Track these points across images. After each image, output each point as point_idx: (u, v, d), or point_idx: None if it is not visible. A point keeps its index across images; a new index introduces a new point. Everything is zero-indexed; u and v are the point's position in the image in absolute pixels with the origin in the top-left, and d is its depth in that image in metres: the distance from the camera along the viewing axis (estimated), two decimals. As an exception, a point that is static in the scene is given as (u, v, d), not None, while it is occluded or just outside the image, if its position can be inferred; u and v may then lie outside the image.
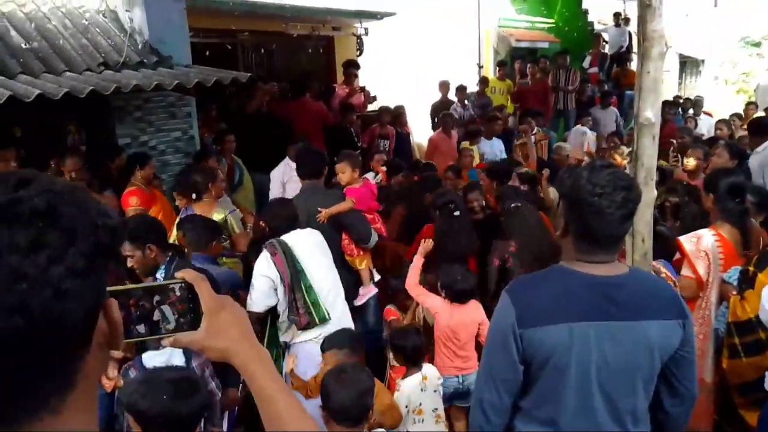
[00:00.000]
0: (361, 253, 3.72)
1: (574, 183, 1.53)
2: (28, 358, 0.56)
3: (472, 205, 4.21)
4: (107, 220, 0.63)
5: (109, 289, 0.72)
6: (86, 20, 5.48)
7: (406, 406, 2.82)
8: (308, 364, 2.97)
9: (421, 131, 8.98)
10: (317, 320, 3.11)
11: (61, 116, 5.05)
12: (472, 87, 9.49)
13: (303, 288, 3.13)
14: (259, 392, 0.87)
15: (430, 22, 9.43)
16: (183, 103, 5.71)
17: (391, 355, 3.07)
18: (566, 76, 9.68)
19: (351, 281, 3.72)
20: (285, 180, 5.30)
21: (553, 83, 9.64)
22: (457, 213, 3.83)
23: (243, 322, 0.89)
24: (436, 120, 8.68)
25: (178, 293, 0.82)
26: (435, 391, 2.97)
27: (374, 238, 3.74)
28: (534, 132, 7.50)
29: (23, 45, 4.83)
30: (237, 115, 6.46)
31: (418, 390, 2.88)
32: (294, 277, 3.12)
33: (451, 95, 9.09)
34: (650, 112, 1.92)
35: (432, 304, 3.23)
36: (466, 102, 9.03)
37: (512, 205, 3.75)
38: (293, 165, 5.44)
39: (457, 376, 3.19)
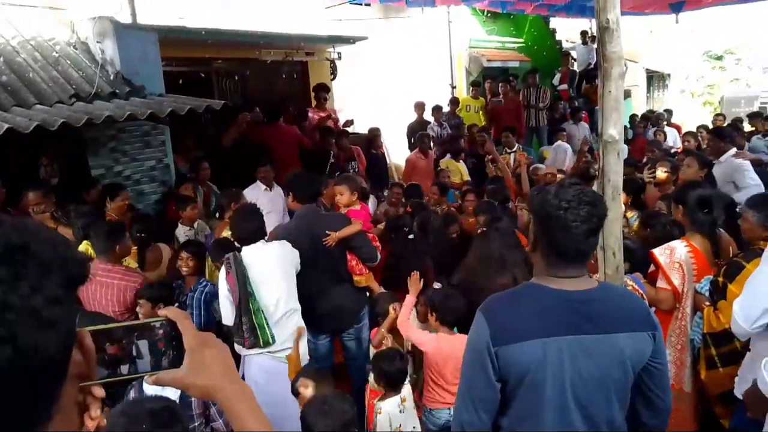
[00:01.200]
0: (366, 271, 3.77)
1: (542, 199, 1.58)
2: (13, 389, 0.58)
3: (451, 236, 4.31)
4: (74, 253, 0.66)
5: (90, 328, 0.74)
6: (56, 52, 5.45)
7: (390, 427, 2.81)
8: (260, 375, 3.22)
9: (397, 152, 9.06)
10: (261, 343, 3.19)
11: (32, 149, 4.98)
12: (447, 107, 9.64)
13: (251, 310, 3.19)
14: (241, 428, 0.87)
15: (403, 44, 9.58)
16: (157, 132, 5.69)
17: (371, 378, 3.05)
18: (537, 93, 9.89)
19: (357, 300, 3.77)
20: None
21: (525, 101, 9.84)
22: (411, 236, 3.95)
23: (226, 359, 0.89)
24: (412, 140, 8.78)
25: (160, 330, 0.82)
26: (412, 409, 2.99)
27: (378, 257, 3.81)
28: (514, 149, 7.63)
29: (-8, 79, 4.78)
30: (213, 143, 6.45)
31: (397, 411, 2.89)
32: (243, 298, 3.18)
33: (427, 115, 9.21)
34: (614, 130, 1.97)
35: (420, 340, 3.21)
36: (442, 121, 9.17)
37: (479, 229, 3.83)
38: (262, 187, 5.47)
39: (448, 409, 3.11)
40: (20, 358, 0.57)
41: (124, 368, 0.79)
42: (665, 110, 10.76)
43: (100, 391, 0.74)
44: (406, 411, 2.91)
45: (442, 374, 3.12)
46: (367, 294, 3.87)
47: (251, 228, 3.36)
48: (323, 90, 7.73)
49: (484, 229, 3.84)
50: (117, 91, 5.26)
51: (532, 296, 1.61)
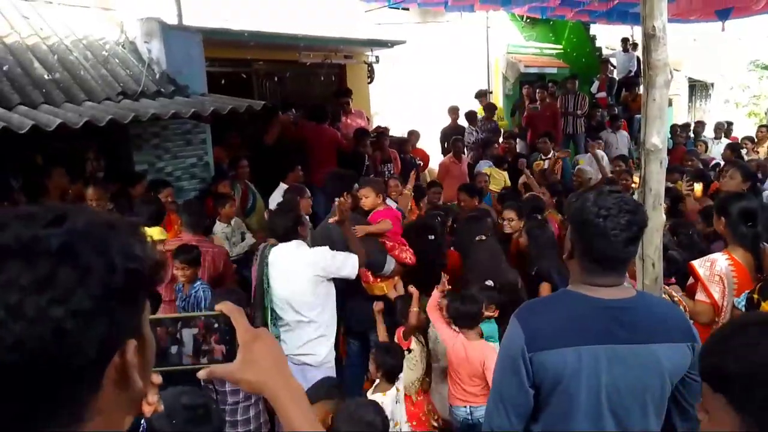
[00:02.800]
0: (378, 280, 3.70)
1: (581, 206, 1.57)
2: (29, 392, 0.58)
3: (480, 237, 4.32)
4: (129, 263, 0.63)
5: (151, 317, 0.75)
6: (106, 51, 5.66)
7: (390, 419, 2.84)
8: None
9: (431, 155, 9.07)
10: None
11: (80, 144, 5.18)
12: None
13: (264, 307, 3.24)
14: (289, 426, 0.87)
15: (440, 49, 9.59)
16: (198, 131, 5.85)
17: (372, 368, 3.08)
18: (575, 100, 9.76)
19: (366, 308, 3.70)
20: None
21: (562, 108, 9.72)
22: (431, 237, 3.95)
23: (277, 354, 0.90)
24: (446, 145, 8.80)
25: (215, 324, 0.85)
26: (403, 401, 3.06)
27: (390, 266, 3.71)
28: (549, 156, 7.56)
29: (46, 76, 4.99)
30: (253, 142, 6.58)
31: (394, 403, 2.94)
32: (258, 292, 3.25)
33: (462, 120, 9.21)
34: (656, 139, 1.96)
35: (443, 333, 3.23)
36: (477, 127, 9.16)
37: (477, 238, 3.83)
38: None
39: (465, 407, 3.16)
40: (32, 364, 0.57)
41: (182, 359, 0.83)
42: (726, 122, 10.44)
43: (157, 378, 0.75)
44: (400, 401, 3.00)
45: (458, 372, 3.15)
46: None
47: (282, 224, 3.39)
48: (346, 94, 7.84)
49: (483, 237, 3.85)
50: (162, 89, 5.43)
51: (568, 303, 1.60)
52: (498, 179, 7.06)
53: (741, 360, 0.86)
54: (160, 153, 5.62)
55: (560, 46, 12.62)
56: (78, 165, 5.10)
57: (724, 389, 0.89)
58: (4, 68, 4.81)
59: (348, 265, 3.31)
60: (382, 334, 3.44)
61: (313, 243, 3.60)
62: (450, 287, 3.38)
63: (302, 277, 3.28)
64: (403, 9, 8.74)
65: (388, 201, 5.28)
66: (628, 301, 1.57)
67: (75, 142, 4.96)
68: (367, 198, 3.94)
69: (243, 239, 5.05)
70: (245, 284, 4.21)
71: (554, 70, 11.89)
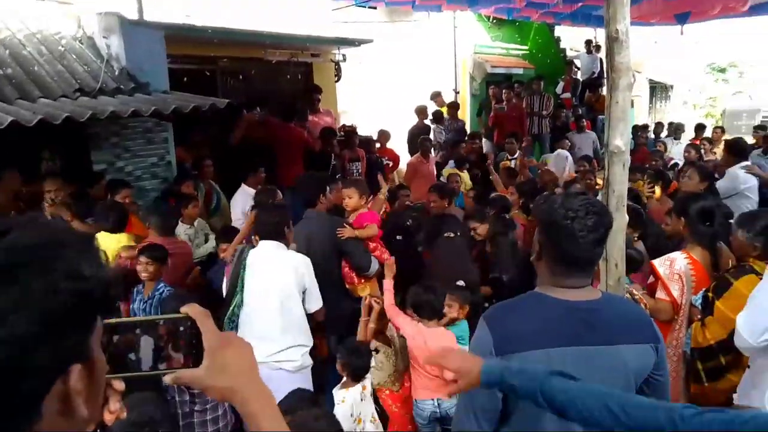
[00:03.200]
0: (363, 281, 3.71)
1: (549, 208, 1.59)
2: None
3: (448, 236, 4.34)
4: (75, 284, 0.59)
5: (109, 321, 0.72)
6: (62, 47, 5.45)
7: (351, 415, 2.83)
8: None
9: (399, 154, 9.07)
10: None
11: (35, 142, 4.98)
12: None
13: (232, 303, 3.21)
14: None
15: (407, 48, 9.59)
16: (160, 129, 5.70)
17: (338, 367, 3.05)
18: (540, 101, 9.91)
19: (351, 309, 3.67)
20: (247, 209, 5.01)
21: (528, 108, 9.85)
22: (399, 237, 4.04)
23: (247, 360, 0.86)
24: (414, 144, 8.81)
25: (181, 328, 0.81)
26: (370, 396, 3.04)
27: (375, 266, 3.72)
28: (515, 156, 7.64)
29: (-3, 71, 4.78)
30: (218, 141, 6.45)
31: (359, 400, 2.93)
32: (229, 291, 3.24)
33: (428, 120, 9.24)
34: (620, 141, 1.98)
35: (402, 326, 3.23)
36: (442, 127, 9.21)
37: (446, 234, 3.87)
38: (251, 192, 5.31)
39: (432, 400, 3.16)
40: None
41: (145, 365, 0.78)
42: (677, 123, 10.78)
43: (119, 385, 0.72)
44: (366, 399, 2.98)
45: (419, 363, 3.15)
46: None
47: (266, 221, 3.35)
48: (316, 91, 7.78)
49: (451, 235, 3.88)
50: (122, 87, 5.26)
51: (537, 305, 1.60)
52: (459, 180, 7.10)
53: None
54: (119, 152, 5.45)
55: (526, 47, 12.79)
56: (32, 165, 4.91)
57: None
58: (-48, 63, 4.59)
59: (315, 297, 3.31)
60: (362, 333, 3.40)
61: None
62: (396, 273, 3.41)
63: (283, 279, 3.23)
64: (371, 8, 8.71)
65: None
66: (594, 303, 1.58)
67: (29, 140, 4.76)
68: (351, 198, 3.92)
69: (206, 241, 4.95)
70: (209, 287, 4.13)
71: (520, 71, 12.05)
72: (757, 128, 9.85)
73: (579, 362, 1.51)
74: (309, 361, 3.33)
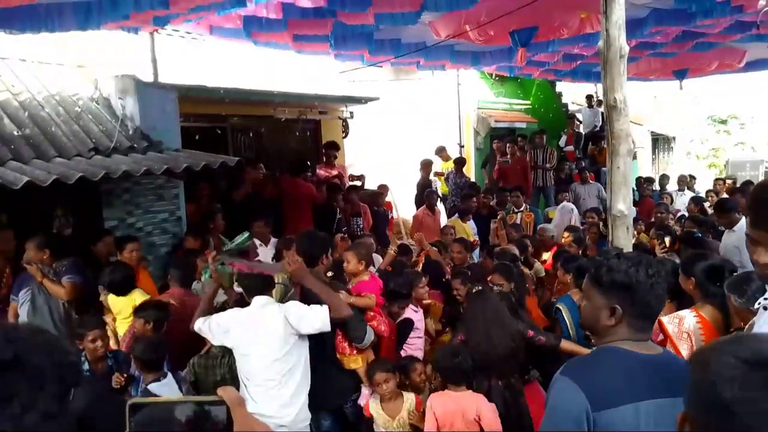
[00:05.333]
0: (355, 352, 3.51)
1: (629, 270, 1.69)
2: None
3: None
4: (68, 357, 0.68)
5: (149, 399, 0.76)
6: (79, 107, 5.65)
7: None
8: None
9: (406, 208, 9.15)
10: None
11: (50, 200, 5.09)
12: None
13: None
14: None
15: (413, 105, 9.86)
16: (171, 186, 5.81)
17: None
18: (544, 154, 10.05)
19: (342, 380, 3.54)
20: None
21: (532, 161, 9.99)
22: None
23: None
24: (419, 197, 8.91)
25: (211, 412, 0.83)
26: None
27: (369, 337, 3.49)
28: (521, 209, 7.69)
29: (15, 132, 4.94)
30: (226, 195, 6.56)
31: None
32: None
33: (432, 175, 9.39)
34: (623, 205, 2.02)
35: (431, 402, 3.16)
36: (448, 180, 9.34)
37: (475, 289, 3.69)
38: (257, 243, 5.37)
39: None
40: None
41: None
42: (690, 175, 10.87)
43: None
44: None
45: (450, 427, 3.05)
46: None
47: (260, 283, 3.35)
48: (333, 148, 7.92)
49: (480, 288, 3.71)
50: (135, 145, 5.41)
51: (617, 359, 1.65)
52: (460, 231, 7.14)
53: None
54: (131, 208, 5.55)
55: (528, 102, 13.10)
56: (46, 222, 5.00)
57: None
58: (-27, 125, 4.76)
59: (318, 317, 3.16)
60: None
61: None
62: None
63: (273, 335, 3.17)
64: (378, 66, 9.01)
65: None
66: (662, 356, 1.69)
67: (43, 198, 4.87)
68: (349, 263, 3.76)
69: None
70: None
71: (523, 125, 12.29)
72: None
73: (658, 415, 1.56)
74: (308, 415, 3.28)
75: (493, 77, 11.95)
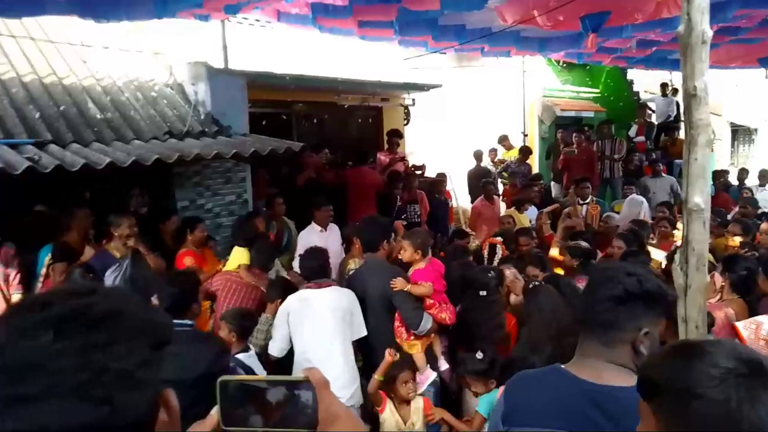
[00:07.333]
0: (412, 338, 3.55)
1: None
2: None
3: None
4: (160, 317, 0.74)
5: (235, 377, 0.81)
6: (155, 93, 5.94)
7: None
8: None
9: (465, 197, 9.10)
10: None
11: (127, 181, 5.39)
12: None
13: None
14: None
15: (476, 92, 9.72)
16: (239, 169, 6.02)
17: None
18: (611, 145, 9.68)
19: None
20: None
21: (599, 152, 9.65)
22: (482, 293, 3.64)
23: None
24: (474, 187, 8.82)
25: (298, 391, 0.82)
26: None
27: (426, 325, 3.50)
28: (587, 201, 7.46)
29: (98, 115, 5.26)
30: (288, 180, 6.72)
31: None
32: None
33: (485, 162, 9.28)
34: (699, 198, 1.93)
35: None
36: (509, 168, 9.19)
37: (532, 283, 3.51)
38: (317, 229, 5.45)
39: None
40: (115, 418, 0.62)
41: (260, 422, 0.80)
42: (762, 169, 10.18)
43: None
44: None
45: None
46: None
47: (314, 266, 3.60)
48: (396, 135, 7.92)
49: (537, 283, 3.53)
50: (206, 130, 5.64)
51: (554, 380, 1.49)
52: (518, 222, 6.99)
53: (659, 374, 1.00)
54: (201, 190, 5.80)
55: (597, 90, 12.61)
56: (123, 201, 5.30)
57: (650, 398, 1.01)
58: (61, 108, 5.09)
59: (362, 328, 3.49)
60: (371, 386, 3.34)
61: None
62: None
63: (335, 314, 3.38)
64: (441, 53, 8.93)
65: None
66: (620, 390, 1.38)
67: (121, 178, 5.16)
68: (405, 252, 3.74)
69: (276, 276, 5.11)
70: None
71: (591, 114, 11.86)
72: None
73: None
74: (360, 398, 3.46)
75: (560, 64, 11.57)
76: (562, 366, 1.49)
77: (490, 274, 3.85)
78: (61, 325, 0.64)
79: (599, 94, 12.56)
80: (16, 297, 4.23)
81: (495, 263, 4.76)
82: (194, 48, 6.28)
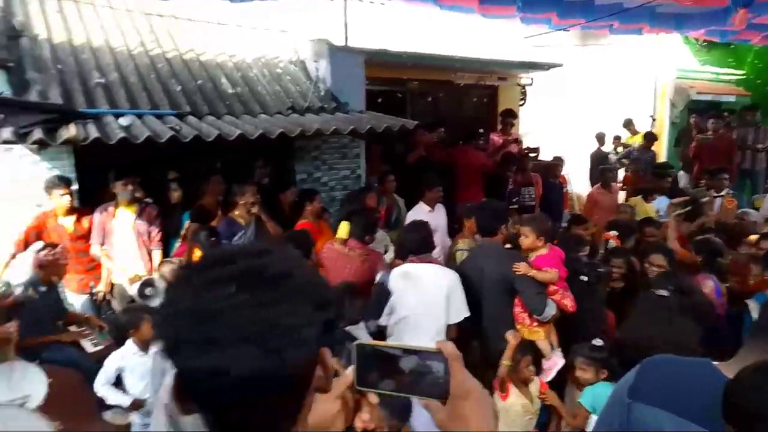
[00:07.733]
0: (535, 324, 3.50)
1: None
2: (276, 398, 0.70)
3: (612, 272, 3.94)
4: (323, 280, 0.80)
5: (370, 342, 0.85)
6: (280, 69, 6.24)
7: None
8: None
9: (582, 183, 8.68)
10: None
11: (251, 152, 5.76)
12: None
13: None
14: None
15: (600, 72, 9.16)
16: (354, 145, 6.20)
17: None
18: (755, 133, 8.71)
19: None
20: None
21: (739, 140, 8.73)
22: (584, 279, 3.60)
23: (485, 414, 0.85)
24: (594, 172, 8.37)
25: (432, 362, 0.84)
26: None
27: (550, 311, 3.44)
28: (722, 193, 6.82)
29: (230, 90, 5.64)
30: (400, 158, 6.80)
31: None
32: None
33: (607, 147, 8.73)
34: None
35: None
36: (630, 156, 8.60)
37: (659, 292, 3.20)
38: (426, 209, 5.43)
39: None
40: (283, 369, 0.68)
41: (389, 384, 0.84)
42: None
43: (374, 398, 0.85)
44: None
45: None
46: None
47: (418, 239, 3.66)
48: (510, 116, 7.69)
49: (665, 294, 3.21)
50: (325, 106, 5.85)
51: None
52: (641, 212, 6.52)
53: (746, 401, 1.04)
54: (318, 164, 6.05)
55: (742, 72, 11.36)
56: (247, 171, 5.67)
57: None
58: (198, 82, 5.52)
59: (463, 308, 3.46)
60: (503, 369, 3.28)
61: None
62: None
63: (437, 291, 3.41)
64: (565, 31, 8.50)
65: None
66: None
67: (245, 149, 5.52)
68: (527, 238, 3.66)
69: (386, 252, 5.23)
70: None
71: (732, 98, 10.74)
72: None
73: None
74: None
75: (699, 42, 10.56)
76: (714, 362, 1.44)
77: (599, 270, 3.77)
78: (242, 280, 0.70)
79: (744, 77, 11.31)
80: (155, 252, 4.72)
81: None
82: (317, 26, 6.49)
